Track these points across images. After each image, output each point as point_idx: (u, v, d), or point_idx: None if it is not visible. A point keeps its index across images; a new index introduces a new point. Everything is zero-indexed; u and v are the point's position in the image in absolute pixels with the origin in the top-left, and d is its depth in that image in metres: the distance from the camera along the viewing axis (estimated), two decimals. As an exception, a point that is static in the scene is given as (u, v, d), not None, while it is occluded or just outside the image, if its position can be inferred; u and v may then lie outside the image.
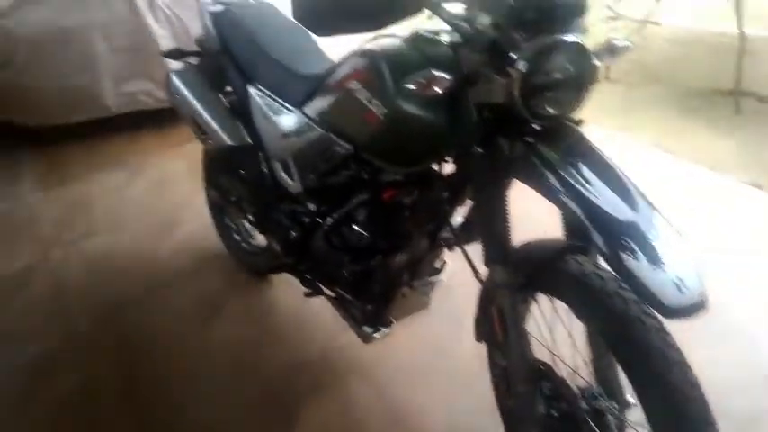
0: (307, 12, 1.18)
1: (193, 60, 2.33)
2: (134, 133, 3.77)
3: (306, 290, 1.93)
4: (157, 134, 3.76)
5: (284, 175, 1.89)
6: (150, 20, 3.58)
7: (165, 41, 3.65)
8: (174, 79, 2.13)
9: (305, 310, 2.29)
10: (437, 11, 1.18)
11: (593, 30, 1.22)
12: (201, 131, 2.06)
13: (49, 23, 3.42)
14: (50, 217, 3.07)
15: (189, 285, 2.53)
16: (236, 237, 2.54)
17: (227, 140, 1.99)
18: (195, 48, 2.31)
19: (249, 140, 1.99)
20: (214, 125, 2.01)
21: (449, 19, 1.21)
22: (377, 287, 1.65)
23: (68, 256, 2.75)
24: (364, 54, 1.46)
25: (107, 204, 3.15)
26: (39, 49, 3.43)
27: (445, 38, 1.33)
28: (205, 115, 2.04)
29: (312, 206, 1.82)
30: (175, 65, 2.35)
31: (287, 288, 2.37)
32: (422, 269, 1.71)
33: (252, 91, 1.95)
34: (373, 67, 1.40)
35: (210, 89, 2.12)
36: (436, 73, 1.22)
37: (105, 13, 3.51)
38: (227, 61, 2.06)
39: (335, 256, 1.70)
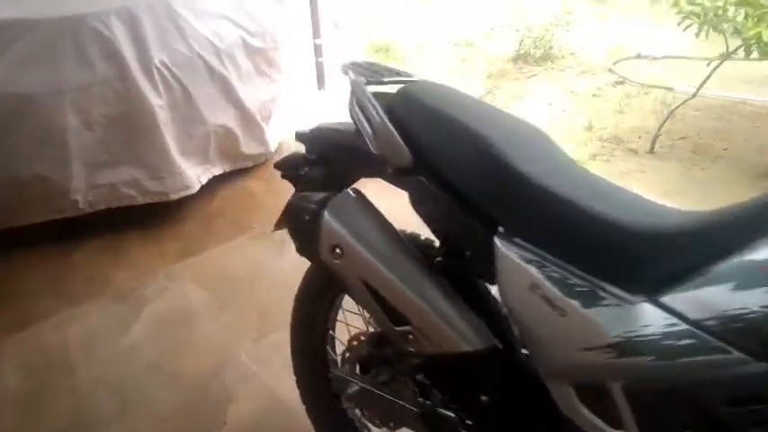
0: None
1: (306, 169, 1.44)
2: (115, 240, 2.69)
3: None
4: (149, 241, 2.70)
5: (587, 413, 1.01)
6: (143, 85, 2.59)
7: (163, 114, 2.66)
8: (334, 223, 1.21)
9: None
10: None
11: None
12: (397, 319, 1.15)
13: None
14: (9, 391, 1.96)
15: None
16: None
17: (460, 343, 1.09)
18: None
19: (497, 342, 1.10)
20: (431, 314, 1.11)
21: None
22: None
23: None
24: None
25: (99, 364, 2.07)
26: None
27: None
28: (409, 293, 1.13)
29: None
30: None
31: None
32: None
33: (508, 252, 1.06)
34: None
35: (401, 239, 1.22)
36: None
37: (81, 76, 2.48)
38: (428, 187, 1.17)
39: None
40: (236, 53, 2.91)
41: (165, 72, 2.65)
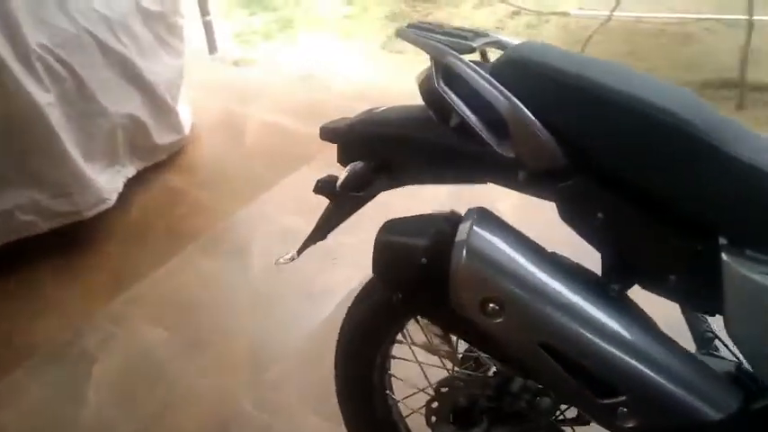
0: None
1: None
2: (24, 283, 2.07)
3: None
4: (68, 276, 2.12)
5: None
6: (22, 78, 1.97)
7: (54, 112, 2.06)
8: (480, 267, 0.84)
9: None
10: None
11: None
12: (601, 389, 0.81)
13: None
14: None
15: None
16: None
17: (703, 411, 0.79)
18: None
19: (743, 401, 0.81)
20: (659, 380, 0.79)
21: None
22: None
23: None
24: None
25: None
26: None
27: None
28: (623, 356, 0.80)
29: None
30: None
31: None
32: None
33: (749, 272, 0.76)
34: None
35: (577, 275, 0.88)
36: None
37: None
38: (596, 192, 0.84)
39: None
40: (132, 22, 2.34)
41: (48, 57, 2.03)
